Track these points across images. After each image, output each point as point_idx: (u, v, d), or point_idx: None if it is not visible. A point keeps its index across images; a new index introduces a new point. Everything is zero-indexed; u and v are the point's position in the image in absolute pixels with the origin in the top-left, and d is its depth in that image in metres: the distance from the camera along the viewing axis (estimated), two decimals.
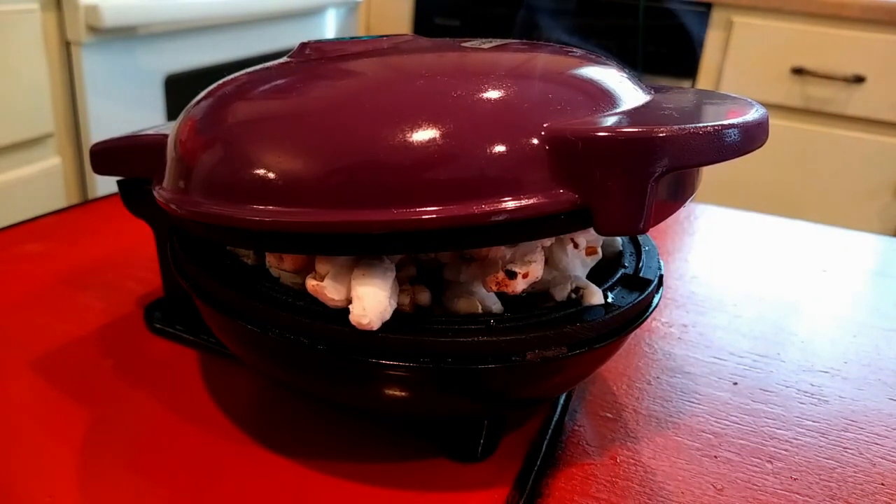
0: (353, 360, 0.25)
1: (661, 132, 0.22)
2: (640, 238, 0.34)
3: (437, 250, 0.27)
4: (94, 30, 0.89)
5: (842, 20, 1.27)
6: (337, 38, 0.31)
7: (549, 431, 0.32)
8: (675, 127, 0.23)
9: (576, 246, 0.29)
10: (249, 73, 0.29)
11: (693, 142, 0.23)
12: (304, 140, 0.25)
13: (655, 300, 0.30)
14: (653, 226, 0.24)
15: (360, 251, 0.25)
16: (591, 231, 0.30)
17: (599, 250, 0.31)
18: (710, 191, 1.40)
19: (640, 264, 0.31)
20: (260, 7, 1.17)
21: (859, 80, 1.28)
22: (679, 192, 0.27)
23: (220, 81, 0.30)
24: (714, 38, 1.36)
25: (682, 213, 0.61)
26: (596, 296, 0.27)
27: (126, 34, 0.95)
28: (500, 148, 0.24)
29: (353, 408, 0.32)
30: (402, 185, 0.23)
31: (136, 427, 0.31)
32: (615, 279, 0.30)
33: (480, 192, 0.23)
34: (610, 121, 0.25)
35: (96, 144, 0.36)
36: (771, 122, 0.27)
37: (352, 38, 0.31)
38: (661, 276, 0.31)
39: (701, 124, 0.23)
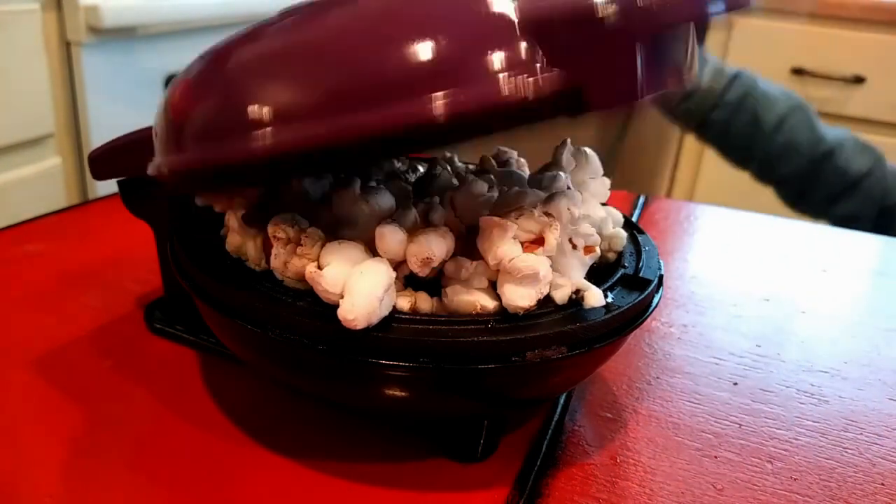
0: (353, 361, 0.25)
1: None
2: (640, 238, 0.34)
3: (438, 145, 0.26)
4: (95, 30, 0.89)
5: (842, 20, 1.27)
6: None
7: (549, 431, 0.32)
8: None
9: (574, 246, 0.29)
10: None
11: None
12: (293, 58, 0.25)
13: (655, 300, 0.30)
14: (649, 94, 0.23)
15: (365, 157, 0.24)
16: (590, 230, 0.30)
17: (598, 249, 0.31)
18: (710, 191, 1.40)
19: (640, 264, 0.31)
20: (259, 7, 1.17)
21: (859, 80, 1.28)
22: (672, 60, 0.26)
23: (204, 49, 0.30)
24: (714, 37, 1.36)
25: (682, 213, 0.61)
26: (596, 297, 0.27)
27: (126, 34, 0.95)
28: (479, 37, 0.23)
29: (353, 408, 0.32)
30: (391, 86, 0.23)
31: (136, 427, 0.31)
32: (615, 279, 0.30)
33: (467, 82, 0.23)
34: None
35: (94, 151, 0.36)
36: None
37: None
38: (660, 276, 0.31)
39: None
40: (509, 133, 0.29)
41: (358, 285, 0.25)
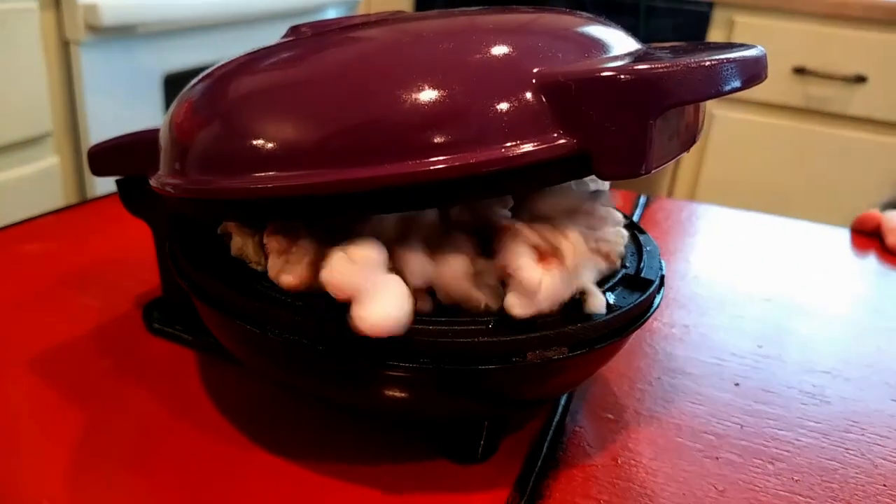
0: (353, 361, 0.25)
1: (658, 68, 0.22)
2: (642, 238, 0.34)
3: (436, 205, 0.27)
4: (93, 29, 0.89)
5: (843, 20, 1.27)
6: (327, 19, 0.31)
7: (550, 432, 0.32)
8: (671, 62, 0.22)
9: (597, 251, 0.29)
10: (241, 55, 0.29)
11: (691, 76, 0.22)
12: (303, 103, 0.25)
13: (657, 301, 0.30)
14: (655, 168, 0.23)
15: (366, 209, 0.25)
16: (616, 240, 0.30)
17: (617, 262, 0.30)
18: (712, 191, 1.40)
19: (642, 264, 0.31)
20: (259, 6, 1.16)
21: (860, 79, 1.28)
22: (680, 135, 0.26)
23: (213, 67, 0.30)
24: (715, 37, 1.36)
25: (683, 212, 0.61)
26: (598, 304, 0.27)
27: (125, 33, 0.95)
28: (491, 97, 0.23)
29: (352, 408, 0.32)
30: (398, 141, 0.23)
31: (135, 427, 0.31)
32: (616, 279, 0.30)
33: (476, 142, 0.23)
34: (603, 62, 0.24)
35: (94, 147, 0.36)
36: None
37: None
38: (662, 277, 0.31)
39: (698, 58, 0.23)
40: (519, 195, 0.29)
41: (379, 300, 0.24)
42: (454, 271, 0.26)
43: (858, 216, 0.58)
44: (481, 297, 0.26)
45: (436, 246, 0.27)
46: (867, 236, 0.57)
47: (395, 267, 0.27)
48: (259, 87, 0.27)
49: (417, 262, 0.26)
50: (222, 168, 0.26)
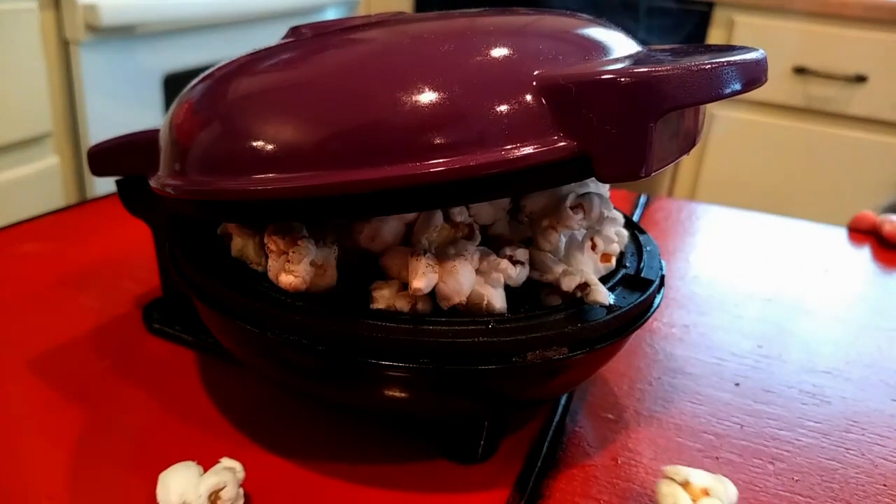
0: (353, 361, 0.25)
1: (658, 71, 0.22)
2: (642, 238, 0.34)
3: (435, 206, 0.27)
4: (93, 29, 0.89)
5: (844, 19, 1.27)
6: (327, 20, 0.31)
7: (550, 432, 0.32)
8: (671, 65, 0.22)
9: (594, 247, 0.29)
10: (241, 56, 0.29)
11: (691, 79, 0.22)
12: (303, 104, 0.25)
13: (657, 301, 0.30)
14: (655, 171, 0.23)
15: (366, 211, 0.25)
16: (613, 237, 0.30)
17: (614, 261, 0.30)
18: (712, 190, 1.40)
19: (642, 264, 0.31)
20: (259, 6, 1.16)
21: (861, 79, 1.28)
22: (681, 137, 0.26)
23: (213, 67, 0.30)
24: (716, 37, 1.36)
25: (683, 212, 0.61)
26: (602, 294, 0.27)
27: (125, 33, 0.95)
28: (491, 99, 0.23)
29: (352, 409, 0.32)
30: (397, 143, 0.23)
31: (135, 427, 0.31)
32: (616, 279, 0.30)
33: (475, 144, 0.23)
34: (603, 64, 0.24)
35: (94, 147, 0.36)
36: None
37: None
38: (662, 277, 0.31)
39: (698, 61, 0.22)
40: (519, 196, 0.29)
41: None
42: (459, 280, 0.26)
43: (854, 216, 0.59)
44: (484, 298, 0.26)
45: (441, 251, 0.27)
46: (864, 234, 0.57)
47: (400, 273, 0.27)
48: (259, 88, 0.27)
49: (423, 268, 0.26)
50: (222, 169, 0.26)
